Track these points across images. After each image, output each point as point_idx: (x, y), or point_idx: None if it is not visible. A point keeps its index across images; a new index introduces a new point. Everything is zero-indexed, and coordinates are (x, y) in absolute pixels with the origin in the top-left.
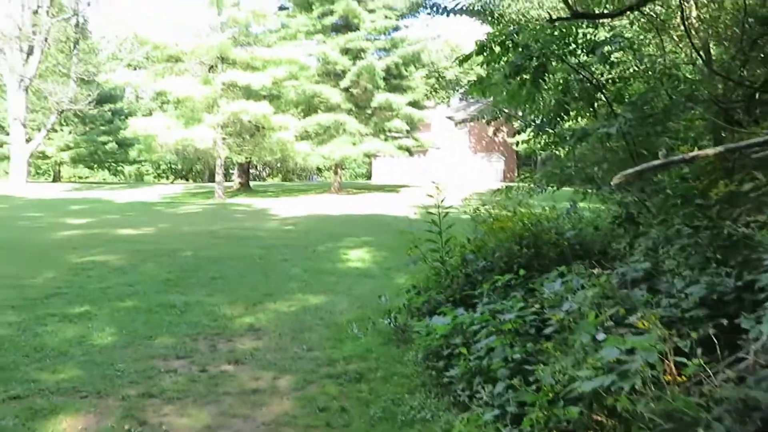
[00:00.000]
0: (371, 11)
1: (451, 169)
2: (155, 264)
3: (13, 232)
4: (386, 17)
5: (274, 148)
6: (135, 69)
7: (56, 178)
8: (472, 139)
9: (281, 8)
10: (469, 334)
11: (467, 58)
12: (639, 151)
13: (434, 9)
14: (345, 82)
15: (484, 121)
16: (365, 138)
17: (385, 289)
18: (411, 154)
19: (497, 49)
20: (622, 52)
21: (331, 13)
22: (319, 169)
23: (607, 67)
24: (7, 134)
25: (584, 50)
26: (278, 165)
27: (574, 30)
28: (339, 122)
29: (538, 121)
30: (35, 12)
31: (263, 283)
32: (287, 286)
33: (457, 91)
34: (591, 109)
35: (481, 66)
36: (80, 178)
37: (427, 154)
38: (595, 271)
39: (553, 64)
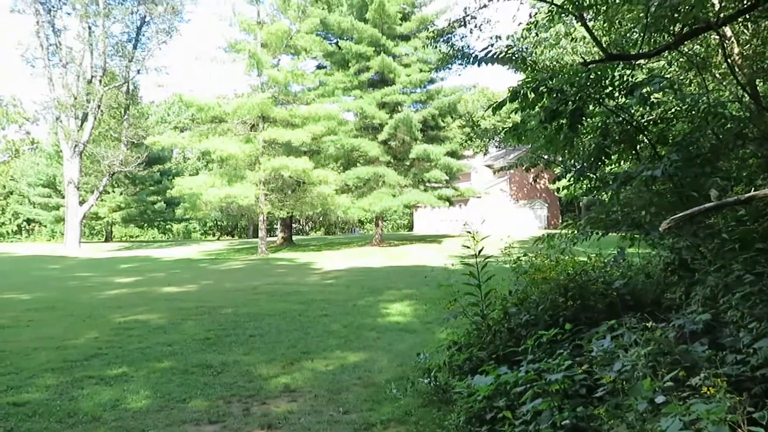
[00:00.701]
0: (406, 65)
1: (493, 218)
2: (195, 322)
3: (62, 293)
4: (421, 70)
5: (314, 202)
6: (181, 131)
7: (108, 238)
8: (513, 187)
9: (319, 67)
10: (514, 395)
11: (500, 105)
12: (688, 193)
13: (466, 59)
14: (383, 135)
15: (523, 168)
16: (404, 189)
17: (426, 344)
18: (451, 203)
19: (531, 95)
20: (662, 92)
21: (367, 69)
22: (360, 222)
23: (647, 108)
24: (62, 197)
25: (622, 92)
26: (320, 219)
27: (610, 72)
28: (378, 174)
29: (578, 166)
30: (89, 81)
31: (301, 340)
32: (326, 343)
33: (494, 139)
34: (633, 151)
35: (516, 113)
36: (131, 236)
37: (468, 203)
38: (649, 324)
39: (590, 107)
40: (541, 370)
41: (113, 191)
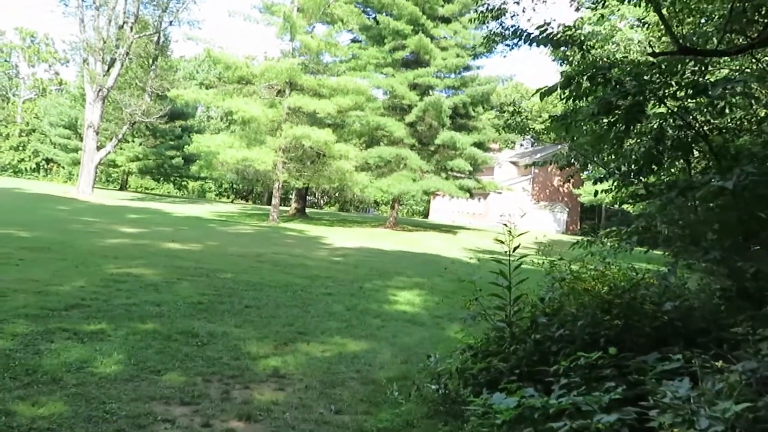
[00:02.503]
0: (443, 48)
1: (512, 216)
2: (190, 284)
3: (62, 235)
4: (458, 55)
5: (333, 176)
6: (207, 88)
7: (123, 187)
8: (536, 187)
9: (354, 41)
10: (544, 428)
11: (550, 91)
12: (756, 213)
13: (518, 37)
14: (410, 117)
15: (556, 166)
16: (426, 175)
17: (435, 341)
18: (471, 195)
19: (586, 83)
20: (732, 98)
21: (403, 47)
22: (376, 203)
23: (716, 114)
24: (82, 140)
25: (689, 92)
26: (336, 194)
27: (681, 67)
28: (401, 156)
29: (623, 170)
30: (120, 27)
31: (300, 318)
32: (325, 325)
33: (527, 134)
34: (684, 161)
35: (565, 102)
36: (146, 188)
37: (488, 197)
38: (719, 364)
39: (651, 105)
40: (579, 402)
41: (133, 141)
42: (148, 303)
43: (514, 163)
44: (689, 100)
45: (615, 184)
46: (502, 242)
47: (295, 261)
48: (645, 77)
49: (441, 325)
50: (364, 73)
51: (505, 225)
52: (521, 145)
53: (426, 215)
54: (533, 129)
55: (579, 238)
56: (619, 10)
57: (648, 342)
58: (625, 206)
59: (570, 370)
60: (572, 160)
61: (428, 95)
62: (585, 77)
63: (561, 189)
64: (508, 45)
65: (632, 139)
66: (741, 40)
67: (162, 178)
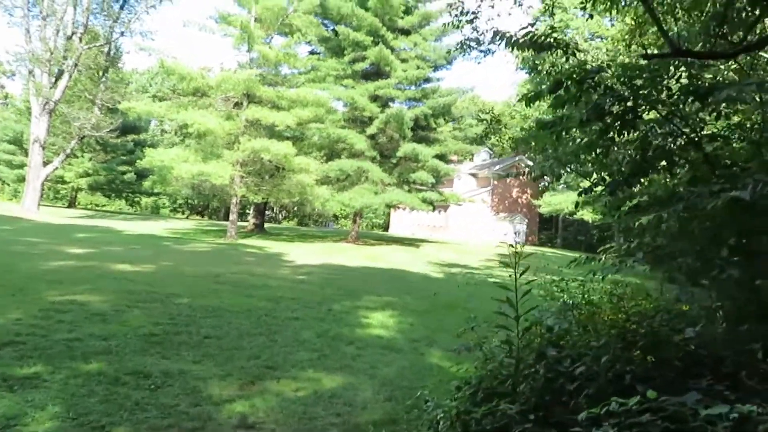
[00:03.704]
0: (404, 60)
1: (472, 228)
2: (143, 312)
3: (2, 258)
4: (418, 67)
5: (292, 190)
6: (160, 100)
7: (72, 204)
8: (495, 198)
9: (312, 53)
10: None
11: (537, 96)
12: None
13: (499, 38)
14: (371, 129)
15: (528, 177)
16: (388, 188)
17: (417, 371)
18: (434, 208)
19: (573, 88)
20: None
21: (363, 59)
22: (335, 216)
23: (709, 120)
24: (26, 155)
25: (684, 97)
26: (295, 209)
27: (675, 69)
28: (362, 169)
29: (607, 180)
30: (69, 38)
31: (267, 349)
32: (296, 357)
33: (485, 147)
34: (669, 171)
35: (553, 109)
36: (96, 206)
37: (448, 209)
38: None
39: (643, 109)
40: None
41: (82, 156)
42: (94, 337)
43: (473, 174)
44: (682, 106)
45: (600, 194)
46: (507, 266)
47: (256, 281)
48: (638, 81)
49: (419, 351)
50: (324, 84)
51: (511, 245)
52: (482, 157)
53: (386, 228)
54: (511, 138)
55: (539, 249)
56: (572, 20)
57: (677, 376)
58: (586, 217)
59: (601, 418)
60: (546, 171)
61: (389, 107)
62: (574, 81)
63: (520, 200)
64: (482, 51)
65: (617, 147)
66: (736, 40)
67: (113, 195)
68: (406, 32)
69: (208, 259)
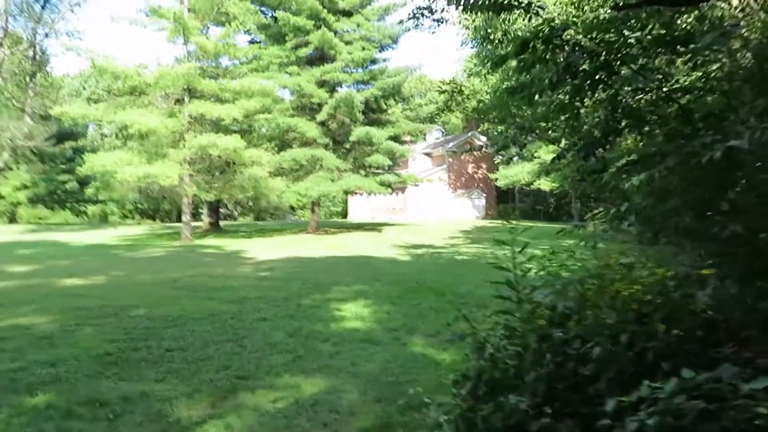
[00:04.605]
0: (348, 43)
1: (431, 207)
2: (95, 329)
3: None
4: (364, 48)
5: (246, 185)
6: (96, 103)
7: (12, 220)
8: (452, 176)
9: (252, 42)
10: None
11: (503, 60)
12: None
13: (456, 3)
14: (321, 116)
15: (491, 150)
16: (344, 174)
17: (402, 364)
18: (393, 190)
19: (541, 47)
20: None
21: (306, 44)
22: (292, 208)
23: (684, 72)
24: None
25: (657, 49)
26: (250, 204)
27: (650, 20)
28: (316, 157)
29: (578, 144)
30: None
31: (236, 356)
32: (269, 362)
33: (437, 126)
34: (638, 130)
35: (520, 72)
36: (39, 219)
37: (405, 191)
38: None
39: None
40: None
41: (18, 168)
42: (40, 364)
43: (427, 154)
44: (652, 59)
45: (571, 160)
46: (504, 243)
47: (217, 283)
48: (608, 35)
49: (401, 341)
50: (268, 73)
51: (507, 222)
52: (434, 136)
53: (345, 215)
54: (473, 109)
55: (500, 222)
56: None
57: (699, 347)
58: (543, 186)
59: (633, 406)
60: (509, 141)
61: (337, 92)
62: (540, 40)
63: (476, 175)
64: (435, 20)
65: (586, 109)
66: None
67: (56, 206)
68: (347, 14)
69: (163, 264)
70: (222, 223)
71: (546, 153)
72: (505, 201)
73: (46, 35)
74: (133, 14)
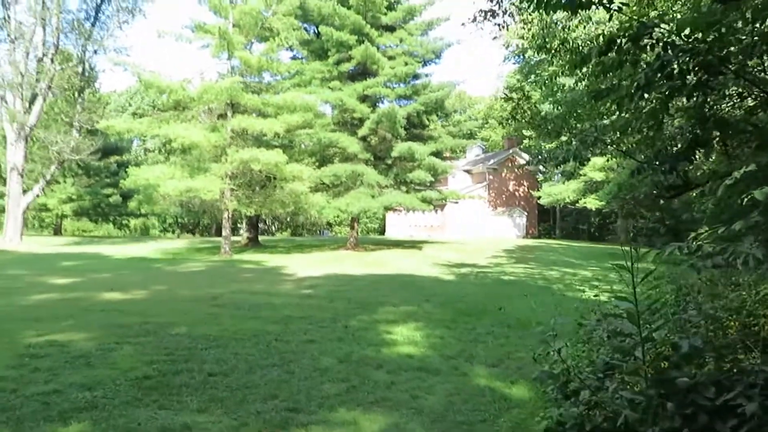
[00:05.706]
0: (391, 58)
1: (471, 225)
2: (134, 348)
3: None
4: (407, 63)
5: (286, 200)
6: (141, 117)
7: (57, 232)
8: (492, 193)
9: (294, 58)
10: None
11: (584, 61)
12: None
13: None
14: (363, 131)
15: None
16: (384, 190)
17: (467, 398)
18: (434, 207)
19: (628, 45)
20: None
21: (349, 59)
22: (329, 224)
23: None
24: (4, 184)
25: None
26: (287, 219)
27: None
28: (357, 173)
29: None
30: (40, 60)
31: (284, 384)
32: (320, 391)
33: (477, 142)
34: (724, 145)
35: (602, 74)
36: (83, 231)
37: (444, 208)
38: None
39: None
40: None
41: (64, 181)
42: (75, 387)
43: (467, 171)
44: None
45: (648, 173)
46: (626, 270)
47: (259, 300)
48: (710, 33)
49: (461, 370)
50: (310, 88)
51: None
52: (475, 152)
53: (382, 232)
54: (542, 117)
55: (543, 241)
56: None
57: None
58: (590, 204)
59: None
60: (569, 156)
61: (379, 107)
62: (629, 38)
63: (517, 193)
64: (497, 24)
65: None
66: None
67: (100, 219)
68: (390, 29)
69: (203, 279)
70: (260, 237)
71: (592, 170)
72: (545, 220)
73: (95, 52)
74: (178, 30)
